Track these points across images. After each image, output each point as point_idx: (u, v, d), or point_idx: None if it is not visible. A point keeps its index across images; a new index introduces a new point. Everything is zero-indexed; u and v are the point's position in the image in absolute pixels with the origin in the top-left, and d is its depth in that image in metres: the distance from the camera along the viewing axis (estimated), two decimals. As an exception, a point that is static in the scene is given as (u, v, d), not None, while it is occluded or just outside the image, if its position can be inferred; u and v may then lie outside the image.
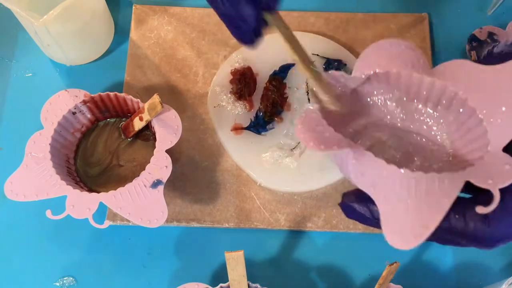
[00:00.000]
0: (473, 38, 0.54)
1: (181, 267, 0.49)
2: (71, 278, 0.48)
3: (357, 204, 0.33)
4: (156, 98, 0.45)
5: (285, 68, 0.54)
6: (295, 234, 0.50)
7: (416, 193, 0.29)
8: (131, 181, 0.44)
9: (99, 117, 0.51)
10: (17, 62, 0.56)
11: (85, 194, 0.44)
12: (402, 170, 0.29)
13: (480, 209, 0.28)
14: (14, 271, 0.48)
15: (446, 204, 0.28)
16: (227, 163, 0.52)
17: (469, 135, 0.33)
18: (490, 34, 0.54)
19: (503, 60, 0.31)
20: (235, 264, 0.41)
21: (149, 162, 0.45)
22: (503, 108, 0.30)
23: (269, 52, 0.54)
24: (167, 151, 0.45)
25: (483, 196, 0.29)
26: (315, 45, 0.56)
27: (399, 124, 0.37)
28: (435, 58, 0.57)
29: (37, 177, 0.45)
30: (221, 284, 0.43)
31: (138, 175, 0.44)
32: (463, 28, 0.58)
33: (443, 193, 0.28)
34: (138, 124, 0.48)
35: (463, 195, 0.30)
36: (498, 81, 0.30)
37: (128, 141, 0.50)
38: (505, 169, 0.28)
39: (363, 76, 0.35)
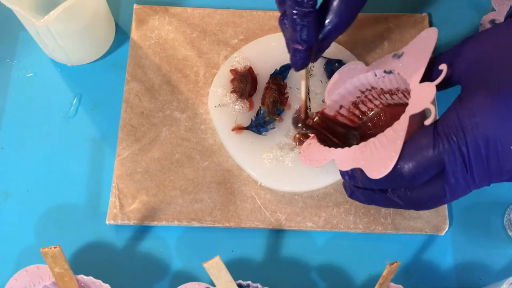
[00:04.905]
0: None
1: (182, 266, 0.49)
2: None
3: (362, 196, 0.44)
4: None
5: (286, 68, 0.54)
6: (296, 234, 0.51)
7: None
8: None
9: None
10: (18, 62, 0.57)
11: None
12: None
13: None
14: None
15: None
16: (228, 163, 0.52)
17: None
18: (492, 22, 0.54)
19: None
20: (217, 271, 0.39)
21: None
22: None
23: (269, 52, 0.55)
24: None
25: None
26: (315, 45, 0.56)
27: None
28: (436, 58, 0.57)
29: None
30: (221, 284, 0.43)
31: None
32: (463, 28, 0.59)
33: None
34: None
35: None
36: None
37: None
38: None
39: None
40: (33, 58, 0.57)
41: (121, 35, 0.58)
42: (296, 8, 0.39)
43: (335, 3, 0.41)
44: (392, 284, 0.43)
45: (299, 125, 0.51)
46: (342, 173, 0.43)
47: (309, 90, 0.53)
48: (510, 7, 0.54)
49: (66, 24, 0.50)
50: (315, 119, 0.49)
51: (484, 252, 0.50)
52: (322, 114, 0.49)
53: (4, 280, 0.44)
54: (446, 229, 0.50)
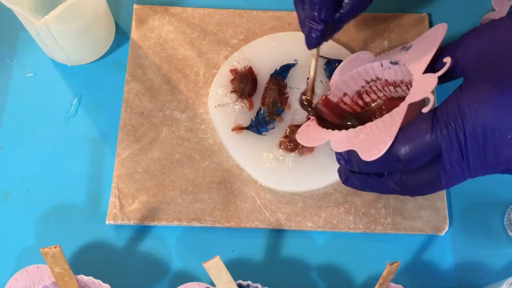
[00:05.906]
0: None
1: (182, 266, 0.49)
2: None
3: (357, 181, 0.44)
4: None
5: (286, 68, 0.54)
6: (296, 234, 0.51)
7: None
8: None
9: None
10: (18, 62, 0.57)
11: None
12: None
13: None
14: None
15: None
16: (228, 163, 0.52)
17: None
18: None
19: None
20: (218, 271, 0.39)
21: None
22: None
23: (269, 52, 0.55)
24: None
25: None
26: (315, 45, 0.56)
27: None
28: (436, 58, 0.57)
29: None
30: (221, 284, 0.43)
31: None
32: (463, 28, 0.58)
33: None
34: None
35: None
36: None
37: None
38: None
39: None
40: (33, 58, 0.57)
41: (121, 35, 0.58)
42: None
43: None
44: (392, 284, 0.43)
45: (305, 103, 0.50)
46: (338, 158, 0.43)
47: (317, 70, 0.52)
48: (510, 7, 0.54)
49: (66, 24, 0.50)
50: (320, 101, 0.49)
51: (484, 252, 0.50)
52: (325, 100, 0.49)
53: (4, 280, 0.44)
54: (446, 229, 0.50)
